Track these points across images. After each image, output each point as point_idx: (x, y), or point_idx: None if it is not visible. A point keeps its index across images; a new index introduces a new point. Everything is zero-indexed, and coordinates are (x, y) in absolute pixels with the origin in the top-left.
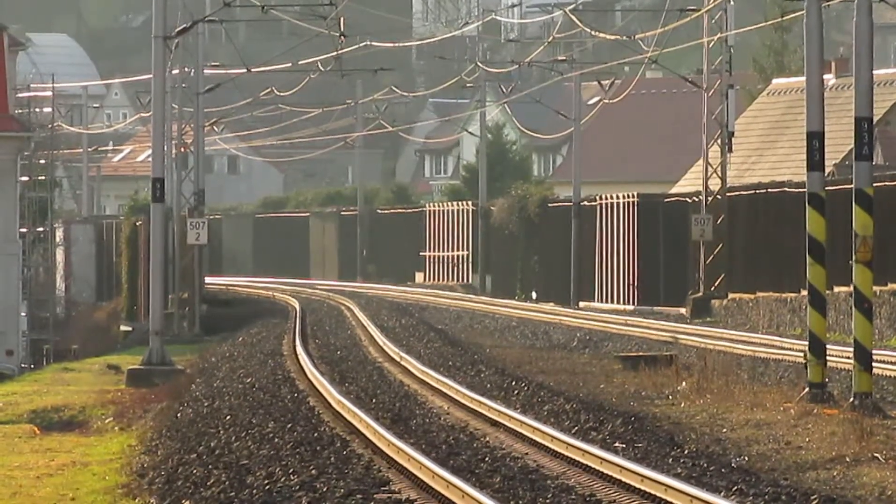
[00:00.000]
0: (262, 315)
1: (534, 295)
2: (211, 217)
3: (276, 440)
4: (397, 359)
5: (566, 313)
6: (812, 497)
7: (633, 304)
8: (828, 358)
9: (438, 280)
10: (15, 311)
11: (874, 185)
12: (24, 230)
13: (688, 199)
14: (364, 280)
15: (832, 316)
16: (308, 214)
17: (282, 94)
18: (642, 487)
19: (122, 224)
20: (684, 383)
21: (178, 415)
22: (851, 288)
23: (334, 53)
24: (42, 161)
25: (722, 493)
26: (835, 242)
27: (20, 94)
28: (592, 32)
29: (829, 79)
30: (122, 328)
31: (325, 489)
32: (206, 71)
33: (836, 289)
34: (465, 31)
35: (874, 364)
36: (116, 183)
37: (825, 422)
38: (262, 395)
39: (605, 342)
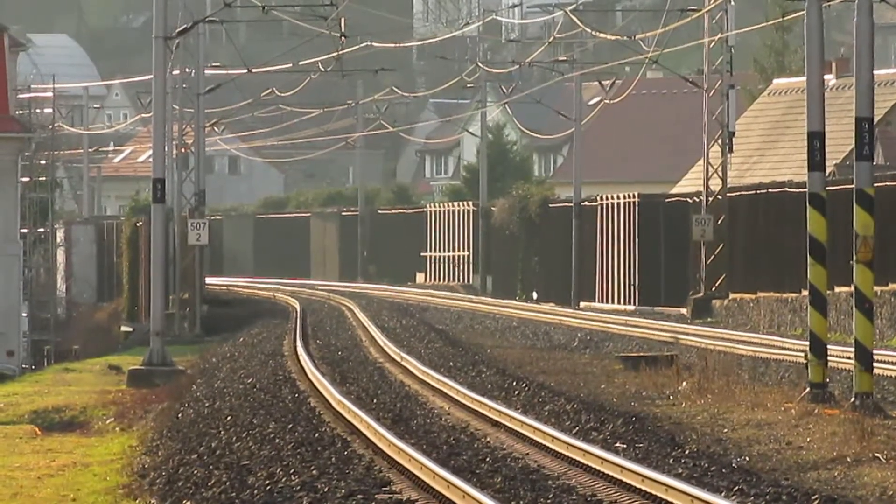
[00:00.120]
0: (262, 315)
1: (534, 295)
2: (212, 217)
3: (277, 440)
4: (398, 359)
5: (567, 313)
6: (813, 497)
7: (634, 304)
8: (829, 358)
9: (439, 280)
10: (16, 311)
11: (875, 185)
12: (24, 231)
13: (688, 200)
14: (365, 280)
15: (833, 316)
16: (309, 215)
17: (282, 94)
18: (643, 488)
19: (123, 225)
20: (685, 383)
21: (179, 415)
22: (852, 288)
23: (335, 54)
24: (43, 162)
25: (723, 494)
26: (835, 242)
27: (21, 95)
28: (593, 33)
29: (830, 79)
30: (123, 329)
31: (325, 489)
32: (206, 71)
33: (837, 289)
34: (466, 31)
35: (875, 364)
36: (117, 183)
37: (826, 422)
38: (262, 395)
39: (605, 342)
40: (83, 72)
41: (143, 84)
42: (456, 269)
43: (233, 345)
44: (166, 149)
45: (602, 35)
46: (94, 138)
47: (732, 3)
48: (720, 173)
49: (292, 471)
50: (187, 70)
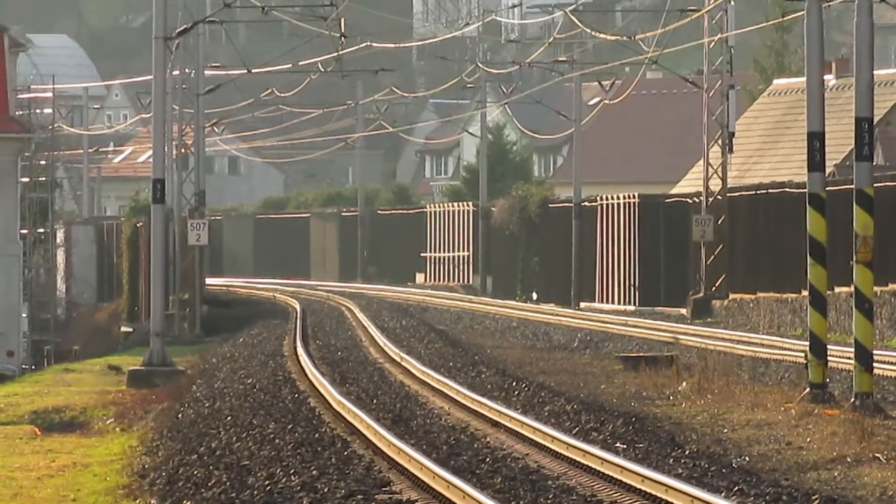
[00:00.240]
0: (262, 316)
1: (534, 295)
2: (211, 218)
3: (277, 441)
4: (398, 359)
5: (567, 314)
6: (813, 497)
7: (634, 304)
8: (828, 358)
9: (439, 281)
10: (16, 312)
11: (875, 185)
12: (24, 231)
13: (688, 200)
14: (364, 281)
15: (833, 316)
16: (309, 215)
17: (282, 94)
18: (643, 488)
19: (123, 225)
20: (685, 384)
21: (179, 416)
22: (852, 288)
23: (335, 54)
24: (43, 162)
25: (723, 494)
26: (835, 243)
27: (21, 96)
28: (593, 33)
29: (830, 79)
30: (123, 329)
31: (325, 490)
32: (206, 72)
33: (837, 289)
34: (466, 31)
35: (875, 364)
36: (117, 184)
37: (826, 422)
38: (262, 395)
39: (605, 343)
40: (83, 72)
41: (143, 84)
42: (456, 269)
43: (233, 345)
44: (166, 149)
45: (602, 35)
46: (93, 139)
47: (732, 3)
48: (720, 174)
49: (292, 471)
50: (187, 70)
